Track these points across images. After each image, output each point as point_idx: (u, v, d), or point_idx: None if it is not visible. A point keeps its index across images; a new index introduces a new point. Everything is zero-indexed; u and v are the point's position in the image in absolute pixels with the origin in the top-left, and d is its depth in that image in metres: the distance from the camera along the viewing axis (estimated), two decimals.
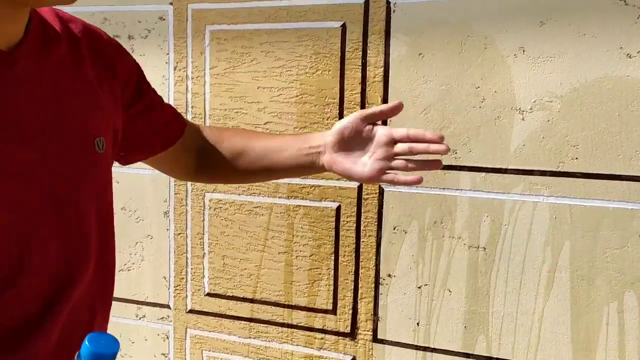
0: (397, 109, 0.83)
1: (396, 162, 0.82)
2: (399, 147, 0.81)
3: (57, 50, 0.67)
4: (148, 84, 0.83)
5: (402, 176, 0.82)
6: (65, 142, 0.65)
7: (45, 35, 0.65)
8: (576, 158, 1.06)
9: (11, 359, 0.60)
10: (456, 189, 1.14)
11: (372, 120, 0.83)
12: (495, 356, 1.14)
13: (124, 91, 0.77)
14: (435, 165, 0.83)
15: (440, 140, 0.80)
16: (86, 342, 0.51)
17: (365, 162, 0.82)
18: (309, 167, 0.87)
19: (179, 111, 0.91)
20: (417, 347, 1.20)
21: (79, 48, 0.70)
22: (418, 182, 0.82)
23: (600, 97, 1.03)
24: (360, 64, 1.18)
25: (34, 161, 0.61)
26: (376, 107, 0.84)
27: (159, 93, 0.85)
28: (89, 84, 0.70)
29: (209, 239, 1.35)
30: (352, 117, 0.83)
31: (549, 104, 1.07)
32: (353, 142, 0.83)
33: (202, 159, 0.90)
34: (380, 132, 0.82)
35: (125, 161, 0.83)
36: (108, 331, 0.72)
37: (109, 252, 0.73)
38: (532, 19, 1.06)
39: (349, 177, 0.85)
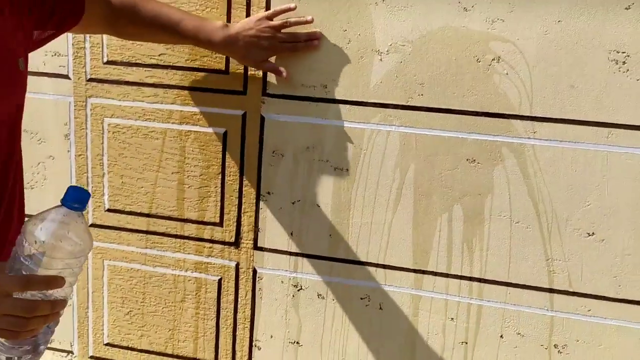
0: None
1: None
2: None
3: None
4: None
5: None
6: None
7: None
8: (422, 94, 1.27)
9: None
10: (325, 119, 1.33)
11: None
12: (353, 259, 1.38)
13: (34, 5, 0.97)
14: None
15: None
16: (69, 188, 0.74)
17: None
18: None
19: None
20: (290, 253, 1.41)
21: None
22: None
23: (442, 43, 1.24)
24: None
25: None
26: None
27: None
28: (7, 11, 0.88)
29: (108, 160, 1.47)
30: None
31: (402, 48, 1.26)
32: None
33: (110, 16, 1.18)
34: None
35: (54, 36, 1.06)
36: None
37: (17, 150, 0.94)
38: None
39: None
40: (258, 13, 1.27)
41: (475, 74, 1.23)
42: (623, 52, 1.15)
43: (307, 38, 1.27)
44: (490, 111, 1.24)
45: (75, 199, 0.75)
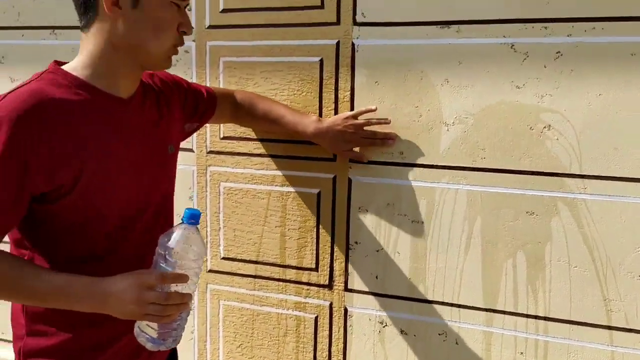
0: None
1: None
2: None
3: (148, 95, 1.20)
4: (193, 93, 1.41)
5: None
6: (153, 148, 1.18)
7: (142, 86, 1.17)
8: (484, 158, 1.50)
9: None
10: (402, 180, 1.58)
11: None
12: (430, 299, 1.59)
13: (185, 106, 1.36)
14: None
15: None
16: (185, 210, 1.03)
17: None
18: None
19: None
20: (376, 294, 1.65)
21: (158, 91, 1.24)
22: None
23: (499, 115, 1.46)
24: (333, 89, 1.61)
25: (140, 160, 1.14)
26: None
27: None
28: (166, 112, 1.24)
29: (223, 217, 1.79)
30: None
31: (465, 119, 1.50)
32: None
33: (235, 112, 1.57)
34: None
35: (198, 127, 1.49)
36: None
37: (171, 213, 1.31)
38: (453, 59, 1.49)
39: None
40: (346, 112, 1.56)
41: (529, 140, 1.44)
42: None
43: (384, 137, 1.54)
44: (544, 170, 1.44)
45: (191, 216, 1.05)
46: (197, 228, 1.06)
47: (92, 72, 1.10)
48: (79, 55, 1.11)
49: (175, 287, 1.05)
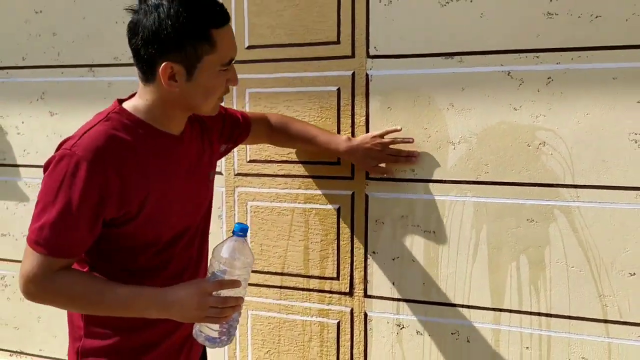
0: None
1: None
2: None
3: (194, 128, 1.36)
4: (230, 118, 1.56)
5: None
6: (199, 175, 1.35)
7: (188, 121, 1.33)
8: (487, 172, 1.68)
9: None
10: (414, 194, 1.75)
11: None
12: (443, 301, 1.75)
13: (222, 133, 1.52)
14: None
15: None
16: (235, 224, 1.18)
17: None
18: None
19: None
20: (393, 299, 1.81)
21: (201, 122, 1.41)
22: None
23: (500, 134, 1.65)
24: (350, 114, 1.80)
25: (189, 187, 1.30)
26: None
27: None
28: (207, 143, 1.41)
29: (250, 233, 1.95)
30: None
31: (469, 139, 1.69)
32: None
33: (270, 133, 1.73)
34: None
35: (232, 148, 1.64)
36: None
37: (207, 229, 1.43)
38: (457, 86, 1.68)
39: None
40: (374, 131, 1.73)
41: (527, 155, 1.63)
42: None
43: (407, 155, 1.71)
44: (541, 182, 1.62)
45: (241, 230, 1.21)
46: (245, 240, 1.23)
47: (150, 116, 1.26)
48: (138, 98, 1.27)
49: (227, 292, 1.21)
